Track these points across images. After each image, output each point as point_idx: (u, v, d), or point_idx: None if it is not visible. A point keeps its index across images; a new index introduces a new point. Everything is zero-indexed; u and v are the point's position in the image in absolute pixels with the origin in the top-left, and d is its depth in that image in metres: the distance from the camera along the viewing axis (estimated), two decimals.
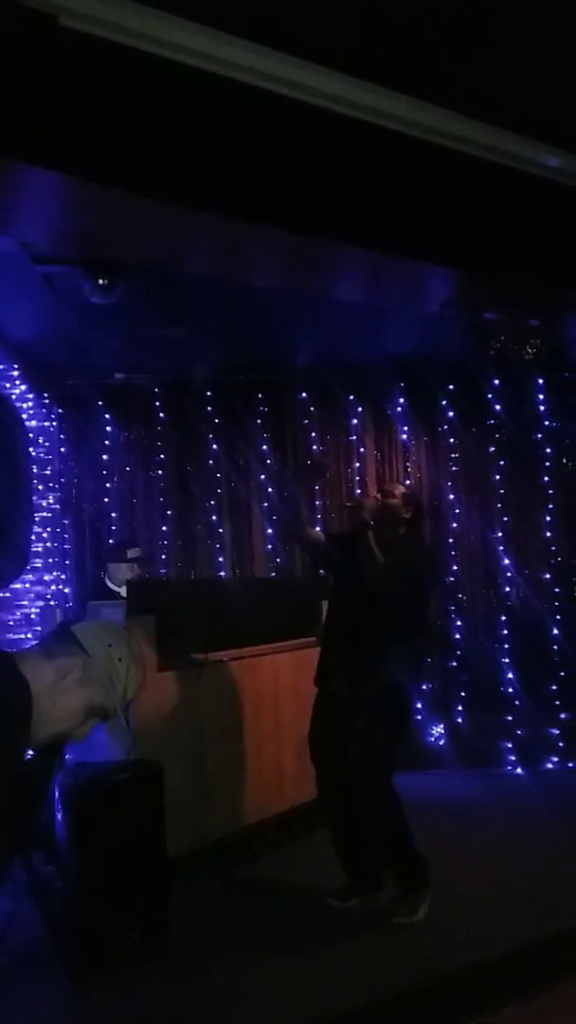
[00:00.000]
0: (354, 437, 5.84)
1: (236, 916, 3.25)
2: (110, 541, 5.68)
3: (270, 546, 5.80)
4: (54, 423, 5.83)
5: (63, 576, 5.79)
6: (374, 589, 3.14)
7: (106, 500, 5.87)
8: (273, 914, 3.24)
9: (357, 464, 5.81)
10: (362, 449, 5.83)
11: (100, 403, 5.85)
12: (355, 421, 5.83)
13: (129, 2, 2.65)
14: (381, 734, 3.14)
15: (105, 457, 5.88)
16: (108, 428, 5.89)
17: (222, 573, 5.77)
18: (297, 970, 2.80)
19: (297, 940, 3.01)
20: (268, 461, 5.84)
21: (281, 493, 5.73)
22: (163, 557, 5.82)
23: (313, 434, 5.86)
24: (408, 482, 5.69)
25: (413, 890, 3.16)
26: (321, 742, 3.33)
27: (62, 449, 5.90)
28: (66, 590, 5.78)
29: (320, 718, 3.36)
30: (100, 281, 3.75)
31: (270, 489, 5.83)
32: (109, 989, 2.69)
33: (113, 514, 5.87)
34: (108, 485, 5.88)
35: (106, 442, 5.89)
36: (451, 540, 5.70)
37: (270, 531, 5.79)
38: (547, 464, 5.75)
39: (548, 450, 5.75)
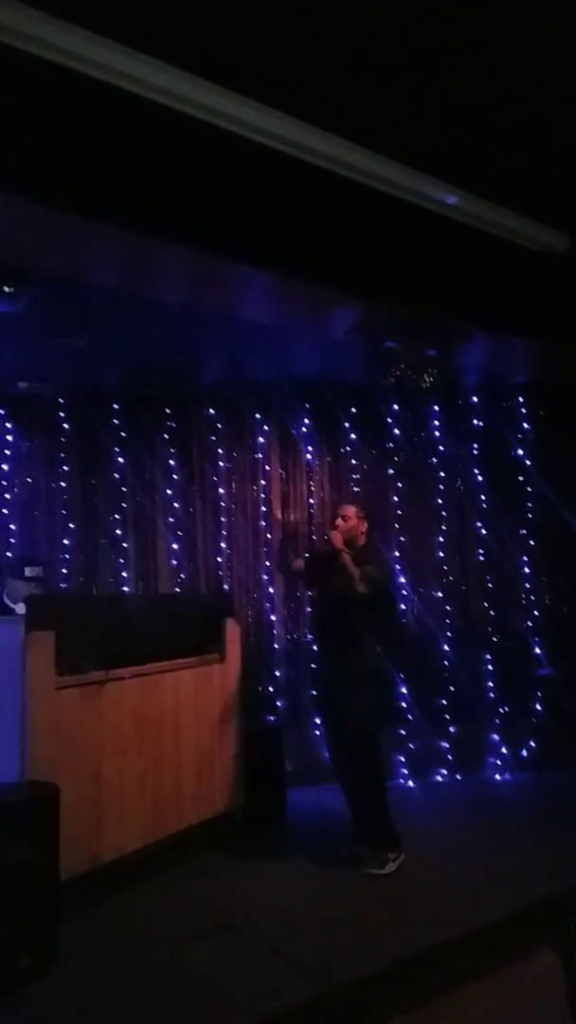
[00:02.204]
0: (260, 455, 5.92)
1: (129, 938, 3.21)
2: (8, 555, 5.52)
3: (174, 561, 5.78)
4: None
5: None
6: (359, 598, 3.90)
7: (4, 511, 5.69)
8: (167, 935, 3.22)
9: (263, 482, 5.89)
10: (267, 467, 5.92)
11: (2, 412, 5.70)
12: (261, 439, 5.92)
13: (48, 17, 2.66)
14: (369, 704, 3.93)
15: (5, 467, 5.71)
16: (9, 437, 5.73)
17: (126, 588, 5.71)
18: (188, 992, 2.80)
19: (190, 961, 3.01)
20: (174, 476, 5.84)
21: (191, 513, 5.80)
22: (64, 571, 5.70)
23: (220, 450, 5.90)
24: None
25: (382, 848, 3.81)
26: (326, 714, 4.25)
27: None
28: None
29: (322, 698, 4.32)
30: (6, 289, 3.67)
31: (176, 504, 5.82)
32: None
33: (12, 526, 5.69)
34: (7, 496, 5.71)
35: (7, 452, 5.72)
36: None
37: (175, 546, 5.78)
38: (440, 487, 6.02)
39: (442, 474, 6.02)
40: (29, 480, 5.75)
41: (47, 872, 2.98)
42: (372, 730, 3.95)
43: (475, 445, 6.04)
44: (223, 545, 5.81)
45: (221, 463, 5.89)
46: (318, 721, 5.24)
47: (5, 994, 2.72)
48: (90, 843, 3.51)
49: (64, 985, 2.82)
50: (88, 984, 2.83)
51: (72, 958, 2.95)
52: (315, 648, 4.38)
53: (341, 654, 3.99)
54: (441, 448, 6.02)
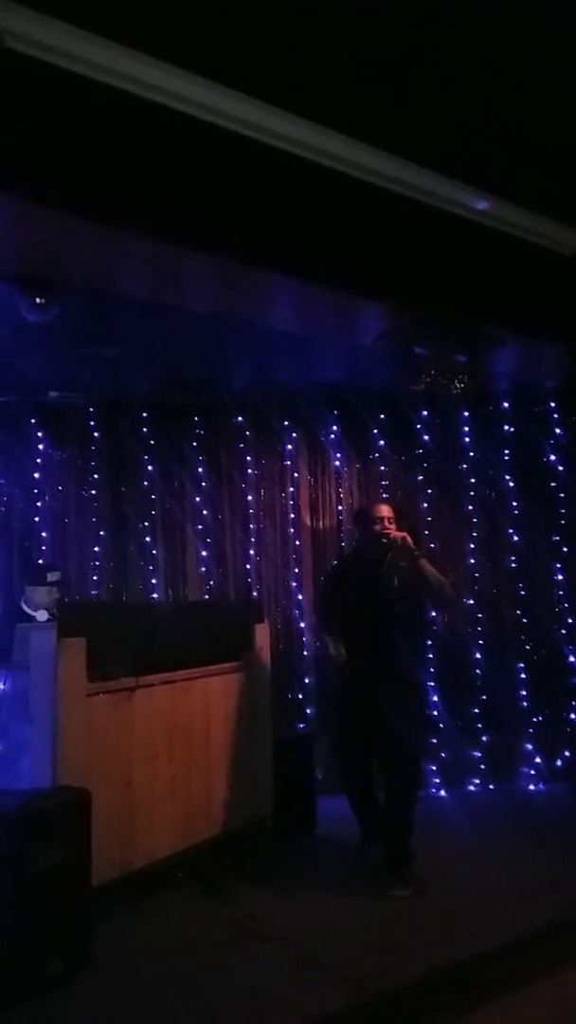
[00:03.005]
0: (288, 462, 5.92)
1: (160, 945, 3.21)
2: (39, 562, 5.58)
3: (203, 568, 5.80)
4: None
5: None
6: (453, 606, 3.96)
7: (37, 519, 5.76)
8: (199, 942, 3.21)
9: (291, 489, 5.89)
10: (296, 474, 5.92)
11: (33, 421, 5.77)
12: (289, 446, 5.92)
13: (71, 27, 2.70)
14: (418, 716, 3.91)
15: (37, 476, 5.79)
16: (41, 446, 5.81)
17: (155, 595, 5.74)
18: (219, 1001, 2.78)
19: (221, 969, 3.00)
20: (203, 484, 5.86)
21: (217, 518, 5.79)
22: (95, 579, 5.75)
23: (248, 458, 5.91)
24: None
25: (406, 861, 3.70)
26: (355, 737, 3.92)
27: None
28: None
29: (356, 717, 3.88)
30: (37, 300, 3.73)
31: (204, 512, 5.84)
32: (28, 1018, 2.63)
33: (44, 534, 5.76)
34: (39, 504, 5.78)
35: (38, 460, 5.80)
36: None
37: (204, 553, 5.80)
38: (471, 493, 5.96)
39: (472, 480, 5.97)
40: (60, 488, 5.81)
41: (79, 877, 2.99)
42: (420, 743, 3.94)
43: (506, 451, 5.98)
44: (252, 552, 5.81)
45: (249, 470, 5.90)
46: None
47: (37, 998, 2.73)
48: (122, 849, 3.52)
49: (95, 991, 2.82)
50: (119, 990, 2.83)
51: (103, 964, 2.96)
52: (352, 660, 3.95)
53: (391, 666, 3.78)
54: (472, 454, 5.96)
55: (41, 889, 2.83)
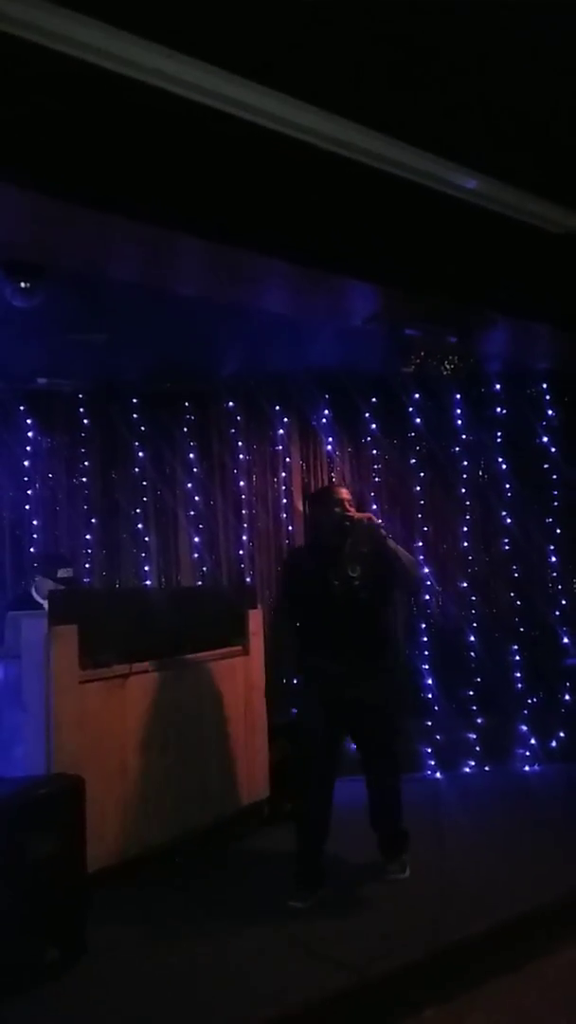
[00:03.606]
0: (280, 447, 5.89)
1: (156, 931, 3.22)
2: (32, 550, 5.55)
3: (196, 555, 5.78)
4: None
5: None
6: (418, 586, 3.61)
7: (27, 507, 5.72)
8: (195, 929, 3.22)
9: (283, 474, 5.86)
10: (288, 459, 5.89)
11: (22, 408, 5.72)
12: (281, 431, 5.89)
13: (56, 7, 2.63)
14: (398, 701, 3.68)
15: (27, 463, 5.75)
16: (30, 434, 5.76)
17: (148, 582, 5.72)
18: (219, 981, 2.79)
19: (220, 951, 3.00)
20: (195, 470, 5.83)
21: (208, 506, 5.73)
22: (87, 566, 5.72)
23: (240, 443, 5.88)
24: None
25: (403, 847, 3.64)
26: (328, 744, 3.51)
27: None
28: None
29: (329, 722, 3.49)
30: (22, 284, 3.67)
31: (196, 498, 5.81)
32: (24, 1007, 2.63)
33: (35, 522, 5.73)
34: (30, 492, 5.74)
35: (28, 448, 5.75)
36: None
37: (196, 540, 5.78)
38: (464, 476, 5.94)
39: (465, 462, 5.95)
40: (50, 476, 5.78)
41: (74, 865, 2.98)
42: (399, 727, 3.81)
43: (499, 433, 5.96)
44: (244, 538, 5.79)
45: (241, 456, 5.87)
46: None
47: (33, 987, 2.73)
48: (116, 836, 3.51)
49: (92, 979, 2.82)
50: (116, 978, 2.84)
51: (100, 952, 2.96)
52: (319, 660, 3.53)
53: (372, 656, 3.54)
54: (464, 436, 5.94)
55: (36, 877, 2.83)
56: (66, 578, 4.68)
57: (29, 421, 5.74)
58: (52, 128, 2.88)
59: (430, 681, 5.62)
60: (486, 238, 4.00)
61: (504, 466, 5.94)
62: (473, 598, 5.84)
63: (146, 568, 5.74)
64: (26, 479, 5.73)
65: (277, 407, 5.86)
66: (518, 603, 5.90)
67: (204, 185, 3.22)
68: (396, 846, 3.68)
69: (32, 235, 3.29)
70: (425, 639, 5.75)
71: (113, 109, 2.96)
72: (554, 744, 5.71)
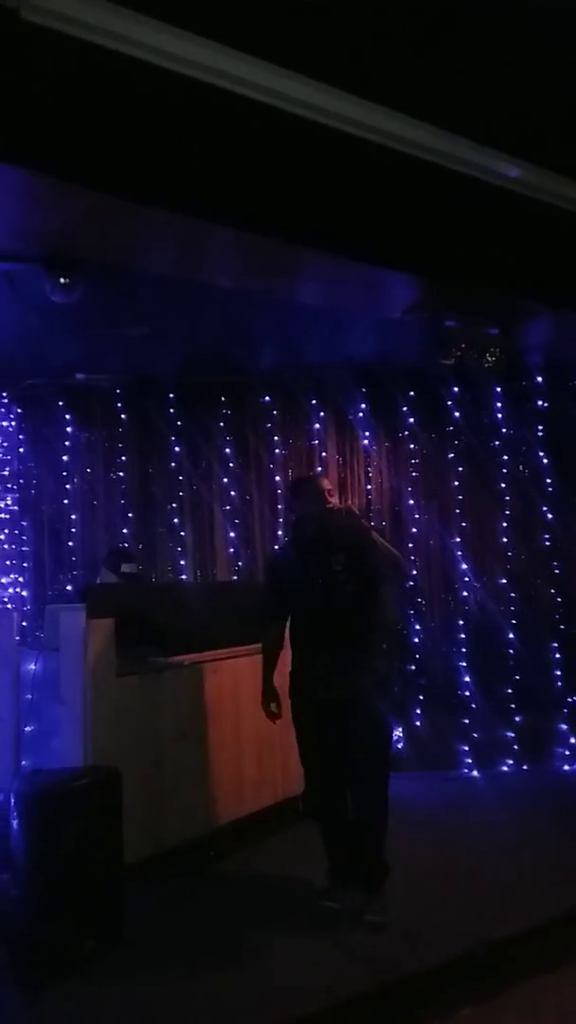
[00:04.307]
0: (316, 441, 5.86)
1: (192, 923, 3.23)
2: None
3: (232, 549, 5.79)
4: (13, 423, 5.74)
5: (20, 579, 5.70)
6: (398, 578, 3.34)
7: (66, 501, 5.79)
8: (228, 920, 3.23)
9: (319, 468, 5.83)
10: (324, 453, 5.86)
11: (61, 403, 5.78)
12: (317, 425, 5.85)
13: (101, 2, 2.63)
14: (385, 722, 3.36)
15: (65, 458, 5.81)
16: (69, 429, 5.82)
17: (183, 576, 5.74)
18: (251, 976, 2.79)
19: (252, 945, 3.01)
20: (231, 464, 5.83)
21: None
22: None
23: (276, 437, 5.86)
24: (369, 487, 5.75)
25: (379, 890, 3.20)
26: (326, 744, 3.25)
27: (21, 450, 5.81)
28: (24, 593, 5.69)
29: (321, 723, 3.25)
30: (62, 280, 3.70)
31: (232, 492, 5.81)
32: (61, 997, 2.66)
33: (73, 516, 5.80)
34: (68, 486, 5.81)
35: (66, 443, 5.82)
36: (411, 545, 5.75)
37: (232, 534, 5.78)
38: (504, 471, 5.84)
39: (505, 457, 5.85)
40: (88, 471, 5.84)
41: (111, 856, 3.00)
42: (389, 741, 3.48)
43: (540, 427, 5.83)
44: (280, 532, 5.78)
45: (277, 450, 5.86)
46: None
47: (70, 976, 2.76)
48: (153, 827, 3.53)
49: (128, 968, 2.84)
50: (152, 967, 2.85)
51: (136, 941, 2.98)
52: (307, 660, 3.29)
53: (358, 658, 3.25)
54: (504, 430, 5.83)
55: (74, 867, 2.85)
56: (128, 573, 4.71)
57: (68, 416, 5.80)
58: (90, 121, 2.88)
59: (467, 678, 5.55)
60: (528, 227, 3.91)
61: (545, 460, 5.82)
62: (512, 594, 5.75)
63: (182, 562, 5.77)
64: (65, 473, 5.80)
65: (313, 401, 5.83)
66: (558, 599, 5.78)
67: (243, 176, 3.20)
68: (376, 881, 3.22)
69: (71, 231, 3.31)
70: (463, 636, 5.68)
71: (150, 102, 2.95)
72: None
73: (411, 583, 5.61)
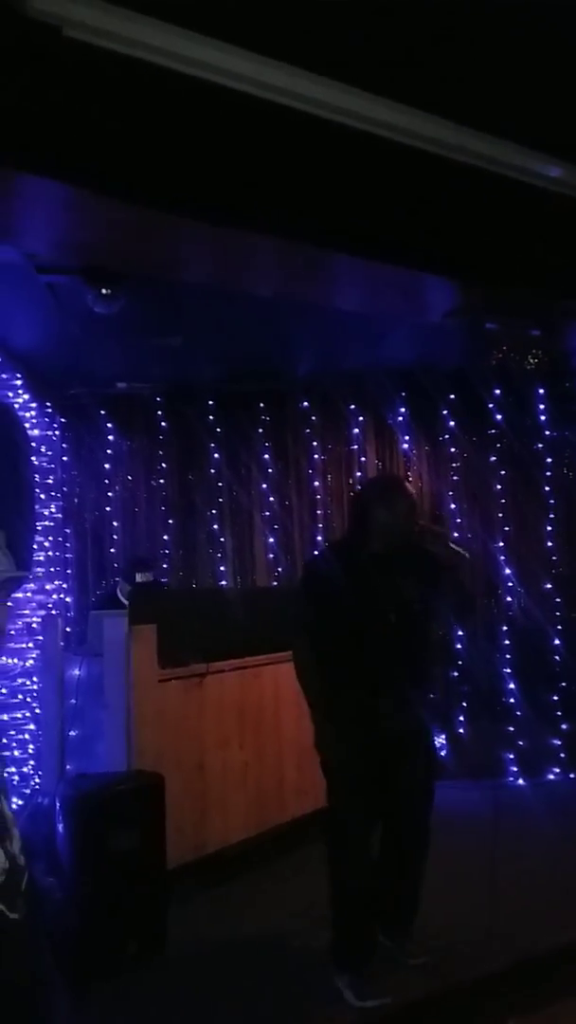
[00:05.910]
0: (355, 446, 5.84)
1: (234, 928, 3.23)
2: (111, 551, 5.67)
3: (271, 555, 5.79)
4: (56, 432, 5.84)
5: (64, 585, 5.78)
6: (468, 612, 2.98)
7: (108, 509, 5.87)
8: (274, 928, 3.22)
9: (359, 473, 5.81)
10: (363, 458, 5.83)
11: (102, 412, 5.86)
12: (356, 430, 5.84)
13: (131, 13, 2.67)
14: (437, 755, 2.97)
15: (107, 466, 5.89)
16: (110, 437, 5.90)
17: (224, 582, 5.76)
18: (295, 983, 2.78)
19: (300, 955, 2.99)
20: (270, 470, 5.85)
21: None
22: (164, 567, 5.81)
23: (315, 443, 5.86)
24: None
25: (411, 930, 2.95)
26: (387, 791, 2.87)
27: (64, 458, 5.90)
28: (67, 599, 5.78)
29: (377, 767, 2.84)
30: (103, 291, 3.76)
31: (272, 498, 5.83)
32: (104, 1000, 2.68)
33: (115, 523, 5.87)
34: (110, 494, 5.89)
35: (108, 451, 5.90)
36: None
37: (271, 540, 5.79)
38: (548, 474, 5.74)
39: (549, 460, 5.75)
40: (130, 478, 5.91)
41: (154, 860, 3.02)
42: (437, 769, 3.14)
43: None
44: (319, 538, 5.77)
45: (316, 455, 5.85)
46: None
47: (113, 978, 2.78)
48: (195, 833, 3.55)
49: (170, 972, 2.86)
50: (194, 972, 2.86)
51: (179, 946, 2.99)
52: (365, 706, 2.84)
53: (417, 708, 2.91)
54: (547, 433, 5.74)
55: (117, 871, 2.88)
56: (142, 583, 4.74)
57: (109, 425, 5.88)
58: (131, 136, 2.92)
59: (512, 685, 5.46)
60: (569, 227, 3.85)
61: None
62: (557, 600, 5.64)
63: (222, 568, 5.79)
64: (106, 481, 5.88)
65: (352, 406, 5.81)
66: None
67: (279, 184, 3.21)
68: (412, 918, 2.95)
69: (111, 242, 3.35)
70: (507, 642, 5.59)
71: (186, 112, 2.98)
72: None
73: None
